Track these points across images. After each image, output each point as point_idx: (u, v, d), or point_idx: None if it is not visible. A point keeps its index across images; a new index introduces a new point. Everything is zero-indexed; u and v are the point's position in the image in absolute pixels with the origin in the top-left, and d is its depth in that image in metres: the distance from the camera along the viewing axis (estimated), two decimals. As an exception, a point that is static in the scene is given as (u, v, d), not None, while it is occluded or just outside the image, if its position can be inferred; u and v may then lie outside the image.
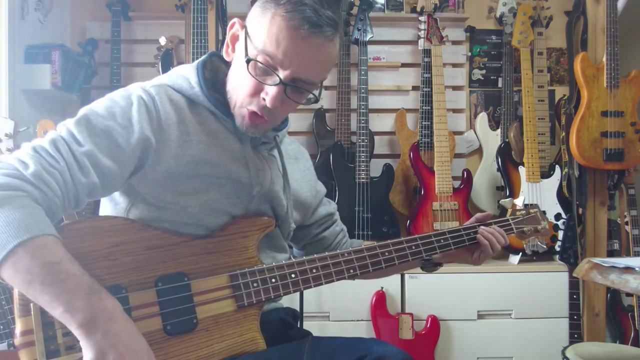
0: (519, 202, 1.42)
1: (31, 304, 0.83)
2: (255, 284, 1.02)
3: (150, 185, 1.01)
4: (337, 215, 1.38)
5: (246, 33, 1.01)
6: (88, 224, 0.93)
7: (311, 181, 1.30)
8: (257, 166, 1.10)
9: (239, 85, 1.03)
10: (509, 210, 1.42)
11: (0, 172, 0.84)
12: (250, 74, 0.99)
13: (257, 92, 1.00)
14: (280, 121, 1.11)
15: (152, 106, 1.01)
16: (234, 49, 1.07)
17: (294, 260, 1.07)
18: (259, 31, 0.98)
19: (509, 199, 1.45)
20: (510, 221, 1.36)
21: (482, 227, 1.28)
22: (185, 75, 1.08)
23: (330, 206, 1.35)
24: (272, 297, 1.03)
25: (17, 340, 0.84)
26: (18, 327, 0.84)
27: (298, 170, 1.27)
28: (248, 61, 0.99)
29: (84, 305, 0.79)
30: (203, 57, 1.13)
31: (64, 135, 0.92)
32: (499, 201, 2.62)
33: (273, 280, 1.03)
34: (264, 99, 1.00)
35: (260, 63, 0.98)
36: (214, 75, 1.12)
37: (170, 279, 0.96)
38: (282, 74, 0.97)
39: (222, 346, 0.98)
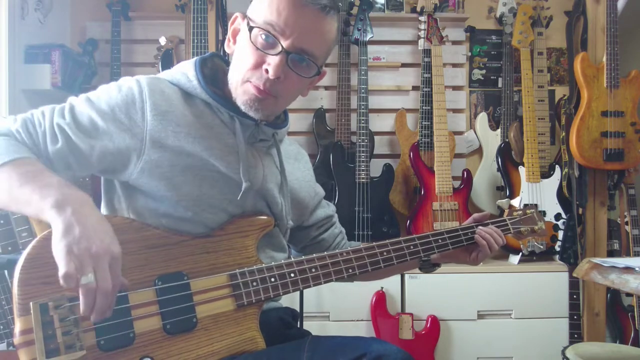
0: (515, 202, 1.43)
1: (31, 303, 0.83)
2: (254, 284, 1.02)
3: (144, 176, 1.02)
4: (335, 218, 1.38)
5: (248, 18, 1.04)
6: (88, 223, 0.94)
7: (310, 182, 1.30)
8: (249, 163, 1.10)
9: (241, 62, 1.04)
10: (506, 211, 1.43)
11: None
12: (252, 44, 1.02)
13: (259, 64, 1.02)
14: (285, 103, 1.11)
15: (139, 98, 1.03)
16: (235, 42, 1.09)
17: (293, 260, 1.07)
18: (261, 7, 1.03)
19: (506, 199, 1.46)
20: (508, 221, 1.37)
21: (480, 227, 1.28)
22: (184, 70, 1.10)
23: (329, 208, 1.35)
24: (272, 296, 1.03)
25: (17, 340, 0.84)
26: (17, 327, 0.84)
27: (298, 170, 1.27)
28: (251, 29, 1.02)
29: (56, 192, 0.87)
30: (204, 55, 1.14)
31: (57, 107, 1.03)
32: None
33: (272, 279, 1.03)
34: (266, 71, 1.01)
35: (263, 29, 1.01)
36: (214, 73, 1.13)
37: (169, 278, 0.96)
38: (284, 43, 1.00)
39: (222, 345, 0.98)
